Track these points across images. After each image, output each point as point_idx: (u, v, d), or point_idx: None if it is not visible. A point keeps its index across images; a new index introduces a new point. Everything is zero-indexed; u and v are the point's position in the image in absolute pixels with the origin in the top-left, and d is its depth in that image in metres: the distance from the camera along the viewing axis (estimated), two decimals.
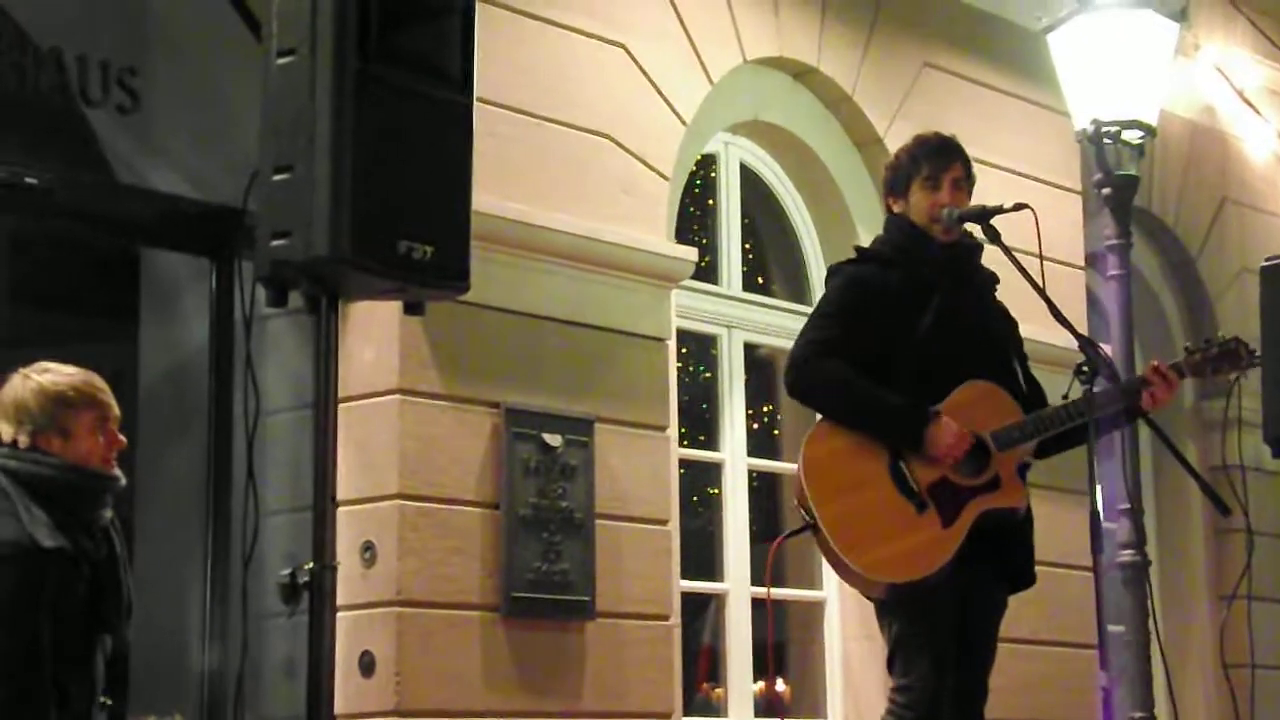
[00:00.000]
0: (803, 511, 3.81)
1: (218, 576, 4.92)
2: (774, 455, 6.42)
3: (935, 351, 3.91)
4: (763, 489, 6.39)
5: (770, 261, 6.62)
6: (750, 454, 6.21)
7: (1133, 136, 6.22)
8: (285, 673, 4.83)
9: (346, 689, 4.69)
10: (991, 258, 4.07)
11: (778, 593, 6.21)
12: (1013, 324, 4.14)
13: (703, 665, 6.06)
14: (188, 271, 5.26)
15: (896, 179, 4.10)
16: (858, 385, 3.83)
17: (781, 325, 6.26)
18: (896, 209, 4.09)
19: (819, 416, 4.00)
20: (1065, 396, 3.94)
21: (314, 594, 3.12)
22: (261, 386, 4.63)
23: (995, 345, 4.05)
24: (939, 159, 4.06)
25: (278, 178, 3.11)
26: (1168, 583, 7.60)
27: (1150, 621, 5.69)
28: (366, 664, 4.77)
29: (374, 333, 4.92)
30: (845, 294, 3.98)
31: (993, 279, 4.12)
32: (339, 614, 4.64)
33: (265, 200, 3.15)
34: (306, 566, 3.15)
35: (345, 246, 3.05)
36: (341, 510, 4.81)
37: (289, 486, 4.87)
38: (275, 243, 3.12)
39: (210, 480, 5.00)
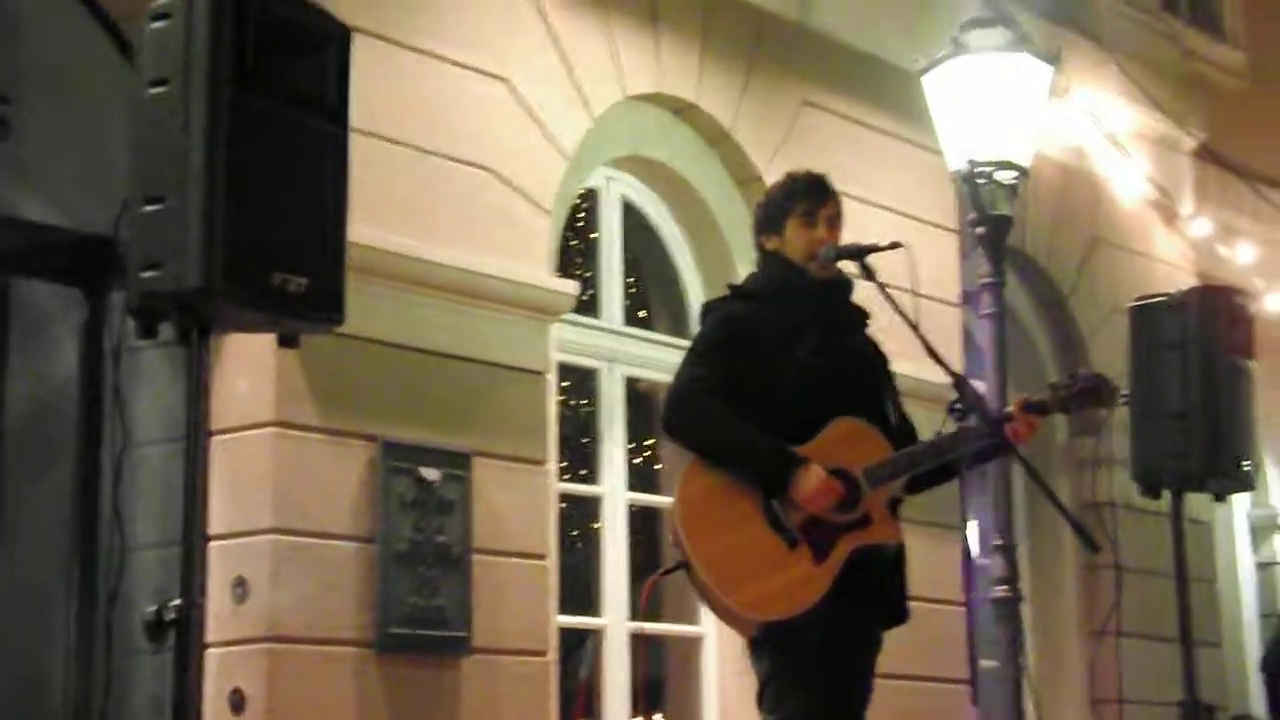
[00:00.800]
0: (677, 549, 3.82)
1: (83, 612, 4.80)
2: (654, 490, 6.43)
3: (812, 388, 3.92)
4: (643, 523, 6.39)
5: (651, 296, 6.65)
6: (630, 488, 6.21)
7: (1006, 177, 6.33)
8: (152, 711, 4.71)
9: None
10: (866, 294, 4.12)
11: (656, 628, 6.21)
12: (884, 360, 4.18)
13: (580, 701, 6.03)
14: (58, 302, 5.14)
15: (770, 216, 4.10)
16: (729, 426, 3.83)
17: (662, 359, 6.28)
18: (770, 246, 4.09)
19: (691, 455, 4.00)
20: (939, 433, 3.99)
21: (180, 631, 3.06)
22: (133, 418, 4.54)
23: (868, 382, 4.09)
24: (815, 197, 4.09)
25: (149, 208, 3.07)
26: (1040, 618, 7.72)
27: (1021, 656, 5.77)
28: (236, 702, 4.68)
29: (249, 364, 4.85)
30: (722, 331, 3.98)
31: (863, 315, 4.17)
32: (209, 651, 4.61)
33: (136, 231, 3.10)
34: (173, 603, 3.09)
35: (217, 278, 3.02)
36: (214, 545, 4.75)
37: (160, 521, 4.76)
38: (146, 274, 3.08)
39: (77, 514, 4.89)
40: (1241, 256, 9.03)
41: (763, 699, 3.86)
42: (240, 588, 4.74)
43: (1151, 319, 5.30)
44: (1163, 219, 8.64)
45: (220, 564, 4.74)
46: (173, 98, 3.05)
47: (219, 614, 4.68)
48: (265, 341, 4.57)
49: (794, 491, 3.78)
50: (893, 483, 3.92)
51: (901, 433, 4.06)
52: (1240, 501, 9.14)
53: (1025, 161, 6.40)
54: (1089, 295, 8.16)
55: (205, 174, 3.00)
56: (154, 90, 3.08)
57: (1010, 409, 4.03)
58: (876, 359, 4.15)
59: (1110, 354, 7.60)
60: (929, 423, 4.15)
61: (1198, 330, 5.18)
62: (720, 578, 3.73)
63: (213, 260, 3.00)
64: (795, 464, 3.80)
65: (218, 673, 4.67)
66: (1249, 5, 10.08)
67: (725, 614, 3.83)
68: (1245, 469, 5.22)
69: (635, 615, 6.04)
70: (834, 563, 3.79)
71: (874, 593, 3.87)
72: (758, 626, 3.81)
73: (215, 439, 4.74)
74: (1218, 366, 5.14)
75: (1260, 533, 9.52)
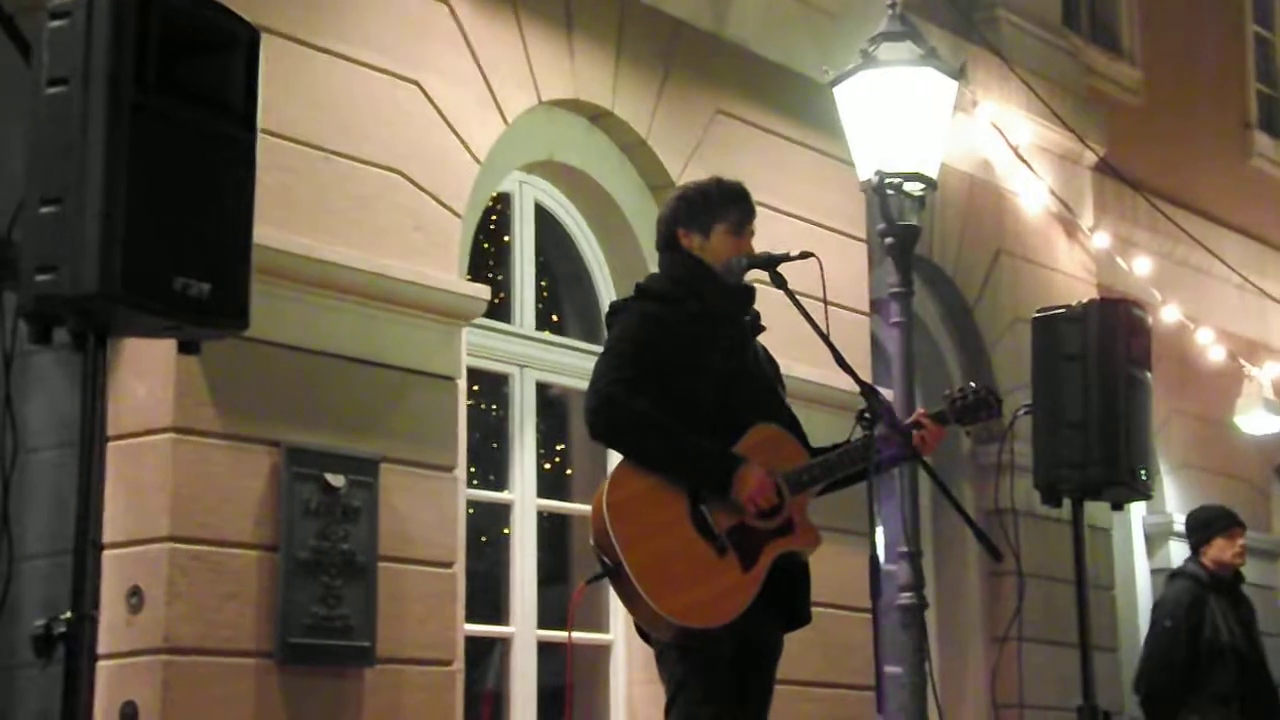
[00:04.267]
0: (602, 556, 3.79)
1: None
2: (565, 496, 6.40)
3: (725, 392, 3.95)
4: (553, 530, 6.36)
5: (563, 301, 6.62)
6: (541, 495, 6.17)
7: (914, 188, 6.40)
8: None
9: None
10: (774, 301, 4.13)
11: (565, 635, 6.17)
12: (775, 366, 4.21)
13: (485, 711, 5.98)
14: None
15: (698, 213, 4.07)
16: (667, 428, 3.83)
17: (574, 365, 6.26)
18: (688, 243, 4.08)
19: (618, 459, 3.98)
20: (850, 440, 4.02)
21: (70, 645, 2.97)
22: (25, 424, 4.43)
23: (771, 386, 4.12)
24: (746, 208, 4.12)
25: (45, 209, 2.99)
26: (944, 624, 7.80)
27: (926, 663, 5.82)
28: (129, 715, 4.57)
29: (147, 368, 4.75)
30: (637, 331, 3.96)
31: (759, 322, 4.18)
32: (101, 663, 4.51)
33: (32, 233, 3.01)
34: (63, 615, 3.00)
35: (115, 283, 2.94)
36: (109, 554, 4.66)
37: (52, 529, 4.65)
38: (41, 277, 2.99)
39: None
40: (1139, 269, 9.20)
41: (671, 708, 3.85)
42: (135, 598, 4.64)
43: (1053, 330, 5.35)
44: (1064, 232, 8.77)
45: (115, 573, 4.64)
46: (72, 98, 2.96)
47: (112, 625, 4.58)
48: (165, 344, 4.49)
49: (736, 490, 3.79)
50: (811, 489, 3.95)
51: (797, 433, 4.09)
52: (1137, 509, 9.30)
53: (933, 173, 6.46)
54: (993, 305, 8.26)
55: (104, 176, 2.92)
56: (52, 90, 2.99)
57: (921, 419, 4.08)
58: (772, 364, 4.18)
59: (1013, 363, 7.70)
60: (838, 429, 4.17)
61: (1097, 341, 5.24)
62: (652, 585, 3.71)
63: (111, 264, 2.92)
64: (735, 463, 3.81)
65: (110, 685, 4.57)
66: (1146, 23, 10.29)
67: (651, 620, 3.80)
68: (1143, 478, 5.30)
69: (544, 623, 6.00)
70: (760, 571, 3.82)
71: (778, 596, 3.88)
72: (676, 633, 3.79)
73: (111, 445, 4.64)
74: (1117, 377, 5.20)
75: (1155, 540, 9.69)
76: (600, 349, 4.09)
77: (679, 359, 3.91)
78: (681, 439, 3.82)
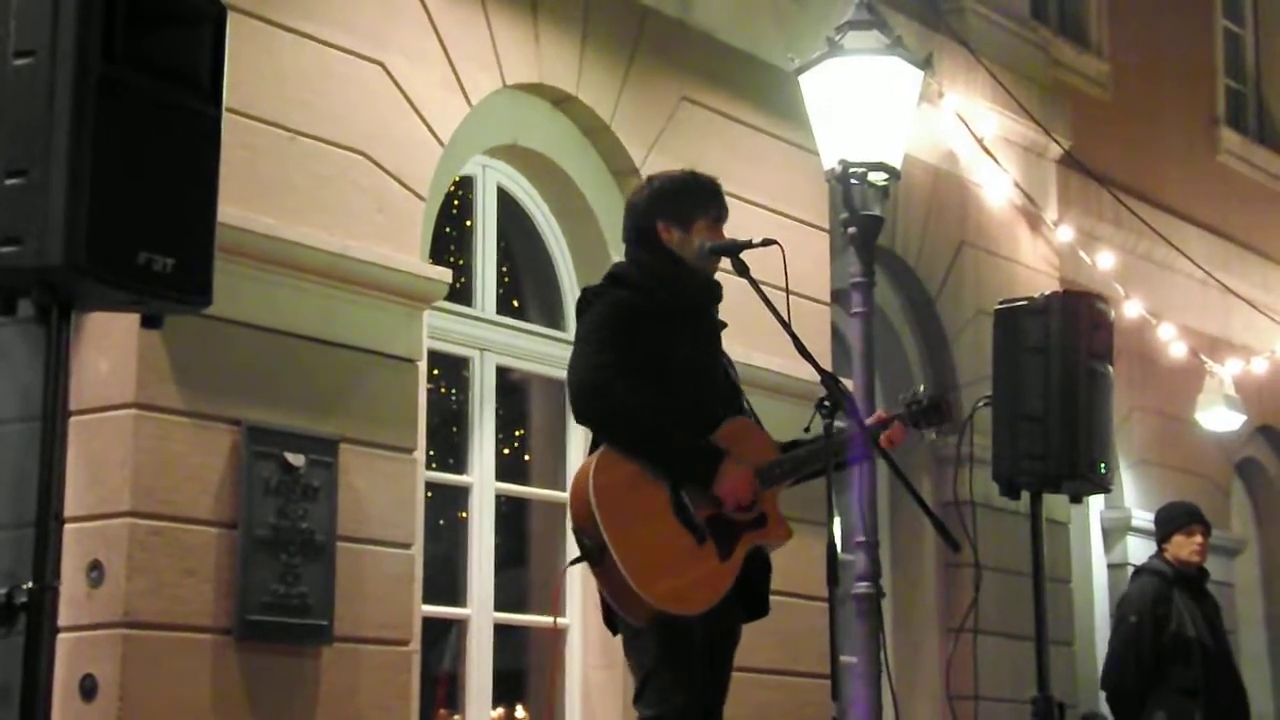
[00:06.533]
0: (584, 538, 3.81)
1: None
2: (523, 480, 6.42)
3: (694, 384, 3.98)
4: (510, 514, 6.37)
5: (525, 285, 6.63)
6: (499, 478, 6.19)
7: (878, 178, 6.41)
8: None
9: (65, 714, 4.50)
10: (736, 290, 4.15)
11: (521, 619, 6.20)
12: (732, 365, 4.27)
13: (441, 692, 6.00)
14: None
15: (682, 208, 4.08)
16: (653, 418, 3.86)
17: (535, 350, 6.27)
18: (668, 237, 4.08)
19: (579, 445, 4.00)
20: (807, 429, 4.05)
21: (31, 615, 2.98)
22: None
23: (735, 381, 4.17)
24: (722, 204, 4.16)
25: (10, 181, 2.99)
26: (900, 614, 7.85)
27: (881, 652, 5.86)
28: (88, 688, 4.57)
29: (110, 344, 4.74)
30: (615, 318, 3.98)
31: (722, 323, 4.23)
32: (60, 636, 4.49)
33: None
34: (25, 586, 3.00)
35: (81, 256, 2.95)
36: (69, 528, 4.65)
37: (13, 502, 4.65)
38: (5, 249, 2.99)
39: None
40: (1102, 263, 9.26)
41: (643, 693, 3.87)
42: (96, 571, 4.64)
43: (1015, 322, 5.38)
44: (1028, 224, 8.82)
45: (76, 547, 4.63)
46: (38, 70, 2.96)
47: (73, 598, 4.58)
48: (127, 321, 4.48)
49: (717, 485, 3.83)
50: (781, 483, 4.00)
51: None
52: (1095, 503, 9.38)
53: (897, 163, 6.48)
54: (955, 297, 8.30)
55: (70, 148, 2.92)
56: (19, 61, 2.99)
57: (891, 420, 4.15)
58: (730, 364, 4.23)
59: (975, 355, 7.76)
60: (798, 418, 4.20)
61: (1059, 334, 5.27)
62: (636, 569, 3.75)
63: (76, 237, 2.93)
64: (718, 458, 3.84)
65: (69, 658, 4.57)
66: (1114, 17, 10.35)
67: (630, 604, 3.82)
68: (1102, 471, 5.34)
69: (500, 606, 6.02)
70: (735, 561, 3.88)
71: (751, 589, 3.94)
72: (653, 618, 3.82)
73: (73, 420, 4.62)
74: (1078, 370, 5.24)
75: (1113, 535, 9.76)
76: (560, 334, 4.11)
77: (650, 348, 3.94)
78: (667, 431, 3.87)
